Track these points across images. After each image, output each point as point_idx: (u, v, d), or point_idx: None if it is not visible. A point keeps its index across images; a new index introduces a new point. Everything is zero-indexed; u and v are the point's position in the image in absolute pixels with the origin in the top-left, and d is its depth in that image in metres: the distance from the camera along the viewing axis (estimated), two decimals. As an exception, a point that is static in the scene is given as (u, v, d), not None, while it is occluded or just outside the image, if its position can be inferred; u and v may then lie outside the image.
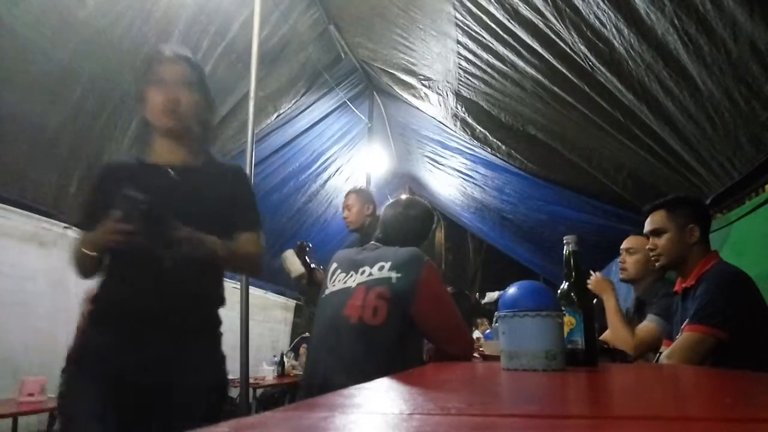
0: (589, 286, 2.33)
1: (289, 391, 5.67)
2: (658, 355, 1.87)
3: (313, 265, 2.91)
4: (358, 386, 0.71)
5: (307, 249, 2.91)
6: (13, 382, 3.06)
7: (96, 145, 3.40)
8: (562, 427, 0.44)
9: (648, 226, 1.92)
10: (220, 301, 1.60)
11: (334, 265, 1.96)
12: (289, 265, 2.85)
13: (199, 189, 1.49)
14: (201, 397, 1.42)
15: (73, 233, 3.80)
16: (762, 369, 1.40)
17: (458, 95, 3.75)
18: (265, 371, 5.15)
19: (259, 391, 5.23)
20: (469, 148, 4.49)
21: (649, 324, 2.13)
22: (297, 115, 4.50)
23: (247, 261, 1.58)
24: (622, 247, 2.43)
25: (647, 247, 1.93)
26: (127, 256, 1.38)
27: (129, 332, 1.39)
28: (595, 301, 2.16)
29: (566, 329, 1.20)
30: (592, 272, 2.40)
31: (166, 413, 1.38)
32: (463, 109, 3.86)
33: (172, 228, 1.31)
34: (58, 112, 3.07)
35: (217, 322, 1.57)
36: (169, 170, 1.46)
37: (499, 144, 3.95)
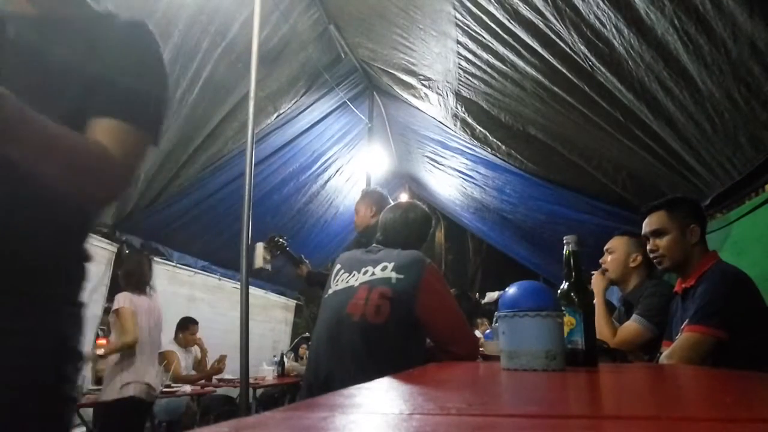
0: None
1: (289, 391, 5.67)
2: (658, 355, 1.87)
3: (302, 258, 3.05)
4: (358, 386, 0.71)
5: (279, 242, 2.96)
6: None
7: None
8: (563, 427, 0.44)
9: (648, 227, 1.91)
10: (68, 253, 0.98)
11: (338, 266, 1.98)
12: (255, 256, 2.98)
13: (45, 48, 0.93)
14: None
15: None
16: (762, 369, 1.41)
17: (458, 95, 3.75)
18: (265, 371, 5.16)
19: (259, 391, 5.23)
20: (469, 148, 4.49)
21: (631, 324, 2.14)
22: (297, 116, 4.50)
23: (83, 162, 0.87)
24: (605, 247, 2.44)
25: (649, 248, 1.92)
26: None
27: None
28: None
29: (566, 329, 1.20)
30: (593, 272, 2.41)
31: None
32: (463, 109, 3.86)
33: None
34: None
35: (54, 290, 0.94)
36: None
37: (499, 144, 3.95)
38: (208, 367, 4.83)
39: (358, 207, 3.13)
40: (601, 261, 2.43)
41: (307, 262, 3.09)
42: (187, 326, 4.91)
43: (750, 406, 0.59)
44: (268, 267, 3.00)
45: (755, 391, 0.76)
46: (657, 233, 1.88)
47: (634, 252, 2.30)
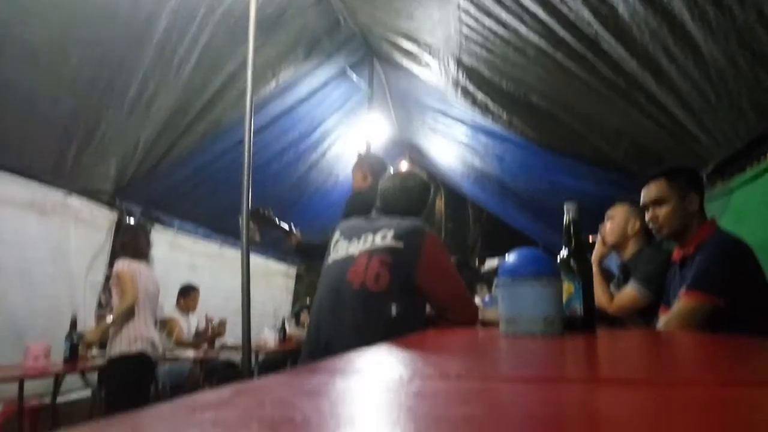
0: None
1: (290, 357, 5.76)
2: (655, 321, 1.89)
3: (291, 228, 3.00)
4: (358, 351, 0.72)
5: (265, 214, 2.94)
6: (18, 348, 3.11)
7: (94, 113, 3.37)
8: (560, 390, 0.44)
9: (647, 196, 1.91)
10: None
11: (338, 234, 1.99)
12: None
13: None
14: None
15: (72, 201, 3.81)
16: (758, 335, 1.42)
17: (459, 62, 3.69)
18: (266, 337, 5.23)
19: (261, 357, 5.31)
20: (470, 117, 4.45)
21: (629, 290, 2.16)
22: (296, 83, 4.44)
23: None
24: (606, 214, 2.45)
25: (648, 217, 1.92)
26: None
27: None
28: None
29: (565, 296, 1.21)
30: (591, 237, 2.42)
31: None
32: (465, 76, 3.80)
33: None
34: (54, 80, 3.03)
35: None
36: None
37: (501, 112, 3.91)
38: (210, 332, 4.89)
39: (354, 172, 3.13)
40: (600, 227, 2.44)
41: (297, 231, 3.03)
42: (188, 293, 4.96)
43: (745, 370, 0.60)
44: (256, 238, 2.97)
45: (751, 356, 0.76)
46: (656, 202, 1.87)
47: (633, 219, 2.30)
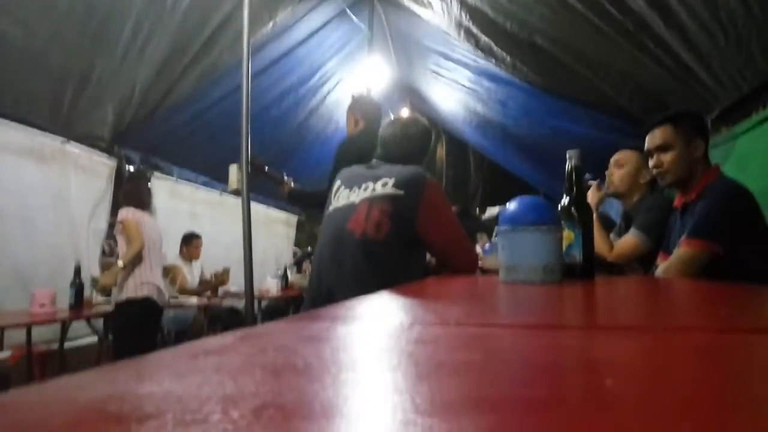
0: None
1: (292, 303, 5.87)
2: (654, 268, 1.91)
3: (283, 177, 2.94)
4: (359, 298, 0.73)
5: (256, 163, 2.87)
6: (24, 295, 3.16)
7: (87, 57, 3.29)
8: (559, 336, 0.45)
9: (653, 141, 1.88)
10: None
11: (338, 182, 1.97)
12: (230, 178, 2.91)
13: None
14: None
15: (71, 147, 3.78)
16: (757, 281, 1.43)
17: (463, 2, 3.58)
18: (269, 284, 5.31)
19: (264, 303, 5.41)
20: (472, 60, 4.35)
21: (628, 237, 2.16)
22: (294, 24, 4.31)
23: None
24: (612, 160, 2.38)
25: (653, 163, 1.90)
26: None
27: None
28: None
29: (565, 243, 1.22)
30: (590, 183, 2.39)
31: None
32: (468, 17, 3.69)
33: None
34: (45, 24, 2.95)
35: None
36: None
37: (504, 55, 3.82)
38: (213, 280, 4.96)
39: (347, 116, 3.01)
40: (607, 173, 2.39)
41: (289, 180, 2.95)
42: (190, 240, 5.00)
43: (743, 317, 0.61)
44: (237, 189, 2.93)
45: (749, 303, 0.77)
46: (662, 148, 1.84)
47: (645, 169, 2.25)
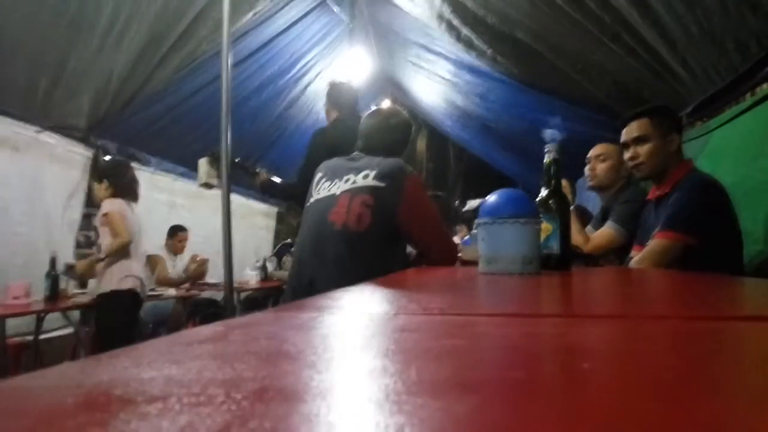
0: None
1: (271, 295, 5.85)
2: (628, 259, 1.95)
3: (256, 169, 2.91)
4: (343, 289, 0.74)
5: (234, 158, 2.85)
6: (-1, 286, 3.11)
7: (62, 45, 3.22)
8: (538, 324, 0.46)
9: (630, 133, 1.92)
10: None
11: (320, 174, 1.98)
12: (199, 172, 2.90)
13: None
14: None
15: (45, 137, 3.71)
16: (728, 272, 1.48)
17: (443, -5, 3.59)
18: (248, 276, 5.28)
19: (243, 295, 5.39)
20: (453, 53, 4.36)
21: (605, 230, 2.21)
22: (274, 14, 4.27)
23: None
24: (590, 154, 2.42)
25: (629, 155, 1.94)
26: None
27: None
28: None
29: (543, 235, 1.24)
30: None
31: None
32: (449, 9, 3.70)
33: None
34: (20, 11, 2.87)
35: None
36: None
37: (485, 48, 3.84)
38: (191, 270, 4.93)
39: (324, 106, 3.00)
40: (588, 168, 2.43)
41: (262, 171, 2.89)
42: (175, 233, 4.96)
43: (714, 306, 0.63)
44: (214, 182, 2.89)
45: (719, 292, 0.80)
46: (639, 140, 1.89)
47: (625, 162, 2.30)
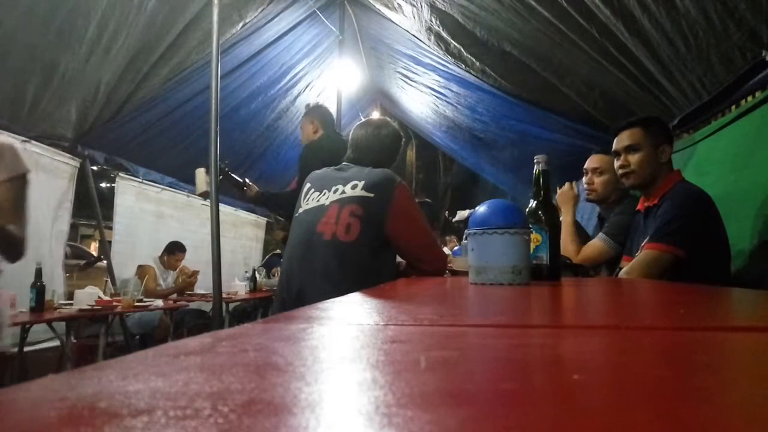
0: (556, 196, 2.38)
1: (260, 306, 5.81)
2: (618, 270, 1.96)
3: (246, 182, 3.03)
4: (332, 300, 0.74)
5: (220, 167, 2.90)
6: (-17, 298, 3.05)
7: (50, 54, 3.20)
8: (527, 335, 0.46)
9: (622, 142, 1.92)
10: None
11: (308, 184, 1.98)
12: (197, 182, 2.98)
13: None
14: None
15: (32, 147, 3.67)
16: (715, 283, 1.49)
17: (433, 7, 3.61)
18: (237, 286, 5.25)
19: (231, 306, 5.35)
20: (442, 65, 4.39)
21: (596, 242, 2.21)
22: (264, 25, 4.28)
23: None
24: (587, 166, 2.37)
25: (619, 163, 1.94)
26: None
27: None
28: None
29: (532, 246, 1.24)
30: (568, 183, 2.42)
31: None
32: (438, 22, 3.73)
33: None
34: (7, 19, 2.86)
35: None
36: None
37: (473, 60, 3.87)
38: (180, 281, 4.89)
39: (303, 123, 3.14)
40: (586, 181, 2.38)
41: (251, 185, 3.04)
42: (173, 251, 4.93)
43: (702, 316, 0.64)
44: (207, 191, 2.96)
45: (708, 303, 0.81)
46: (631, 149, 1.90)
47: None
